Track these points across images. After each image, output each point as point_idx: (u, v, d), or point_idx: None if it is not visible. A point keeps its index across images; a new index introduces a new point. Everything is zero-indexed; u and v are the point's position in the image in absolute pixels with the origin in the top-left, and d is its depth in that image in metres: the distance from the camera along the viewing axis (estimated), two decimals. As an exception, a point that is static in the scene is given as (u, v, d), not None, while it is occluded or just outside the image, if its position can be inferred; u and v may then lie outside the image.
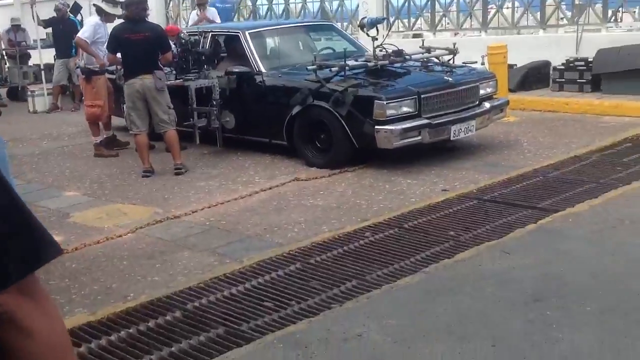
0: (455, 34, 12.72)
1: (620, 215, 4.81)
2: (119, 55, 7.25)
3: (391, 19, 12.84)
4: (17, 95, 13.42)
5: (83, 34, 8.14)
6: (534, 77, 10.57)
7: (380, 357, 3.05)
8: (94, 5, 8.56)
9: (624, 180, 5.81)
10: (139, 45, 6.98)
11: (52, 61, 12.59)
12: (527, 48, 10.67)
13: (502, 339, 3.14)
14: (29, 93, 12.35)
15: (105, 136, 8.47)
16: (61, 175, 7.44)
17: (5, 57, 14.26)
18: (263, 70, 7.70)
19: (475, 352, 3.03)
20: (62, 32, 11.97)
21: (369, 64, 7.33)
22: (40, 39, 12.91)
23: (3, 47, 14.11)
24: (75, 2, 12.93)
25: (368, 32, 7.73)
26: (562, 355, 2.96)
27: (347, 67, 7.04)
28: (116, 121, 8.85)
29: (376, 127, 6.59)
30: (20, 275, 1.01)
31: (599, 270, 3.89)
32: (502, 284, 3.77)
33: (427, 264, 4.21)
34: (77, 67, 8.61)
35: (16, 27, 14.24)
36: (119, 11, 8.08)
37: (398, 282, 3.92)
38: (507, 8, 12.08)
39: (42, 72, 12.57)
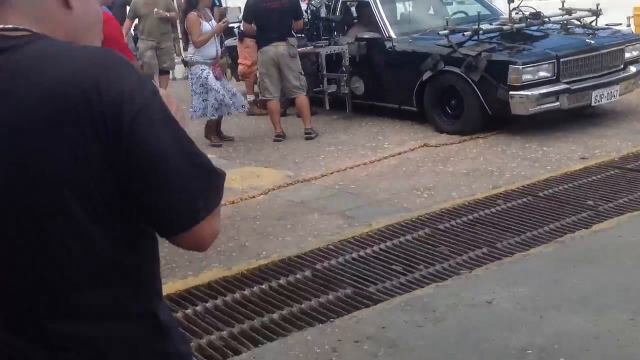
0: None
1: None
2: (253, 25, 7.40)
3: (529, -19, 12.29)
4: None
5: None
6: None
7: (510, 325, 2.99)
8: None
9: None
10: (273, 13, 7.12)
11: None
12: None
13: (643, 313, 2.98)
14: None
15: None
16: (197, 138, 7.77)
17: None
18: (393, 36, 7.62)
19: (612, 324, 2.90)
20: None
21: (504, 27, 7.06)
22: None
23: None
24: None
25: (503, -6, 7.45)
26: None
27: (480, 31, 6.83)
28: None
29: (511, 92, 6.37)
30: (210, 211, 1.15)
31: None
32: (644, 256, 3.57)
33: (563, 234, 4.05)
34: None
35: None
36: None
37: (530, 251, 3.81)
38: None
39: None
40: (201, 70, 6.99)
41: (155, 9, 9.36)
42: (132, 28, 10.14)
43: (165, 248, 4.41)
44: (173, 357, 1.23)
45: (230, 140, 7.49)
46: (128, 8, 9.98)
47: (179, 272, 4.06)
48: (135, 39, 10.16)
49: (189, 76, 7.23)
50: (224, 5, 11.55)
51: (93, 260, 1.12)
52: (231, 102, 7.09)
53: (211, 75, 6.99)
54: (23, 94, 1.06)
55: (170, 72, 10.46)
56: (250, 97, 8.82)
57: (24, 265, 1.10)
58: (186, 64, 7.59)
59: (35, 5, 1.15)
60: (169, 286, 3.80)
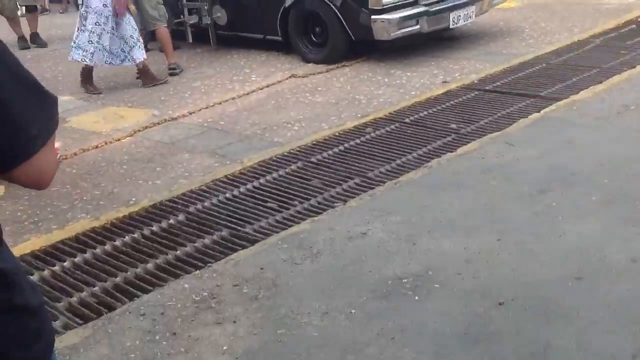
0: None
1: (625, 101, 4.72)
2: None
3: None
4: None
5: None
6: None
7: (386, 255, 3.06)
8: None
9: (628, 64, 5.68)
10: None
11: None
12: None
13: (508, 232, 3.13)
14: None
15: None
16: (54, 79, 7.27)
17: None
18: (254, -40, 7.38)
19: (481, 246, 3.04)
20: None
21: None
22: None
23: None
24: None
25: None
26: (568, 247, 2.97)
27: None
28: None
29: (372, 16, 6.38)
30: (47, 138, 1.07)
31: (604, 158, 3.85)
32: (506, 176, 3.74)
33: (430, 159, 4.17)
34: None
35: None
36: None
37: (401, 179, 3.89)
38: None
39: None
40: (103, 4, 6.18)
41: None
42: None
43: (25, 201, 4.15)
44: (21, 310, 1.10)
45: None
46: None
47: (43, 226, 3.83)
48: None
49: (83, 9, 6.26)
50: None
51: None
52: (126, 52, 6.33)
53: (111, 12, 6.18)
54: None
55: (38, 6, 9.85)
56: None
57: None
58: None
59: None
60: (32, 242, 3.59)
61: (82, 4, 6.31)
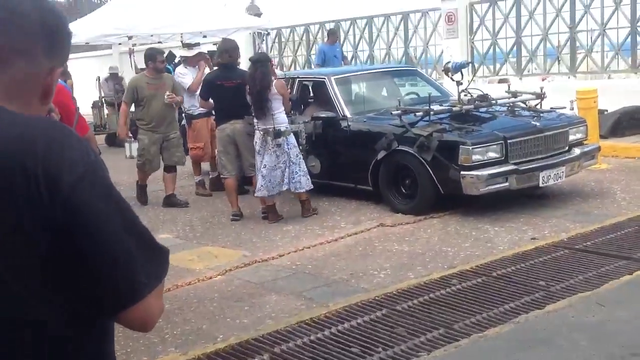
0: (543, 79, 12.54)
1: None
2: (211, 100, 7.50)
3: (476, 64, 12.81)
4: (114, 141, 14.05)
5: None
6: (627, 122, 10.24)
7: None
8: (179, 55, 9.03)
9: None
10: (230, 91, 7.22)
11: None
12: (618, 93, 10.39)
13: (598, 395, 3.03)
14: (127, 139, 12.91)
15: (209, 175, 8.86)
16: (155, 218, 7.70)
17: (104, 105, 14.97)
18: (348, 115, 7.80)
19: (569, 408, 2.94)
20: None
21: (453, 108, 7.32)
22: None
23: (103, 94, 14.85)
24: (170, 51, 13.54)
25: (452, 77, 7.74)
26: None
27: (431, 112, 7.07)
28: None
29: (462, 172, 6.55)
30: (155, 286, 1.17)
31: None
32: (597, 336, 3.65)
33: (517, 314, 4.12)
34: (182, 113, 8.78)
35: (114, 75, 14.99)
36: (192, 52, 8.57)
37: (487, 332, 3.86)
38: (597, 52, 11.85)
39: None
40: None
41: (168, 93, 7.81)
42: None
43: (119, 333, 4.34)
44: None
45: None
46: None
47: (134, 357, 3.97)
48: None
49: (286, 146, 6.92)
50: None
51: (32, 339, 1.11)
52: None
53: None
54: None
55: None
56: (197, 178, 8.80)
57: None
58: (279, 133, 6.91)
59: (20, 95, 1.19)
60: (124, 372, 3.72)
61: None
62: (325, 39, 14.73)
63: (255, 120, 7.00)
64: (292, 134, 7.07)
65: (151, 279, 1.16)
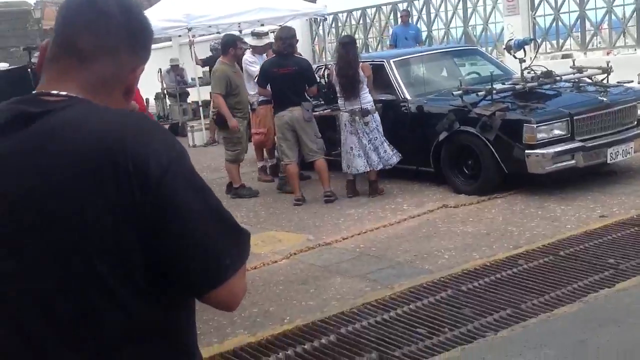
0: (608, 53, 12.16)
1: None
2: (268, 87, 7.57)
3: (538, 40, 12.50)
4: (177, 131, 14.34)
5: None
6: (699, 94, 9.82)
7: (539, 388, 2.98)
8: (247, 43, 9.05)
9: None
10: (287, 78, 7.27)
11: (209, 98, 13.34)
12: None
13: (673, 374, 2.96)
14: (189, 128, 13.16)
15: (268, 163, 8.92)
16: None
17: (167, 96, 15.29)
18: (408, 97, 7.75)
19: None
20: None
21: (516, 86, 7.19)
22: (198, 77, 13.73)
23: (164, 86, 15.15)
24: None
25: (515, 54, 7.58)
26: None
27: (494, 91, 6.95)
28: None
29: (526, 151, 6.44)
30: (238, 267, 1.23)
31: None
32: (670, 315, 3.56)
33: (586, 293, 4.05)
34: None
35: (175, 67, 15.27)
36: (262, 42, 8.56)
37: (555, 312, 3.81)
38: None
39: (200, 109, 13.34)
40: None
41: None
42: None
43: (190, 315, 4.44)
44: None
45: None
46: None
47: (204, 339, 4.08)
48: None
49: (374, 123, 7.24)
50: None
51: (121, 319, 1.17)
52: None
53: None
54: (54, 157, 1.14)
55: None
56: (260, 164, 8.90)
57: (61, 324, 1.16)
58: (367, 112, 7.17)
59: (105, 92, 1.25)
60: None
61: None
62: (399, 22, 14.82)
63: (341, 102, 7.32)
64: (377, 112, 7.28)
65: (235, 261, 1.21)
